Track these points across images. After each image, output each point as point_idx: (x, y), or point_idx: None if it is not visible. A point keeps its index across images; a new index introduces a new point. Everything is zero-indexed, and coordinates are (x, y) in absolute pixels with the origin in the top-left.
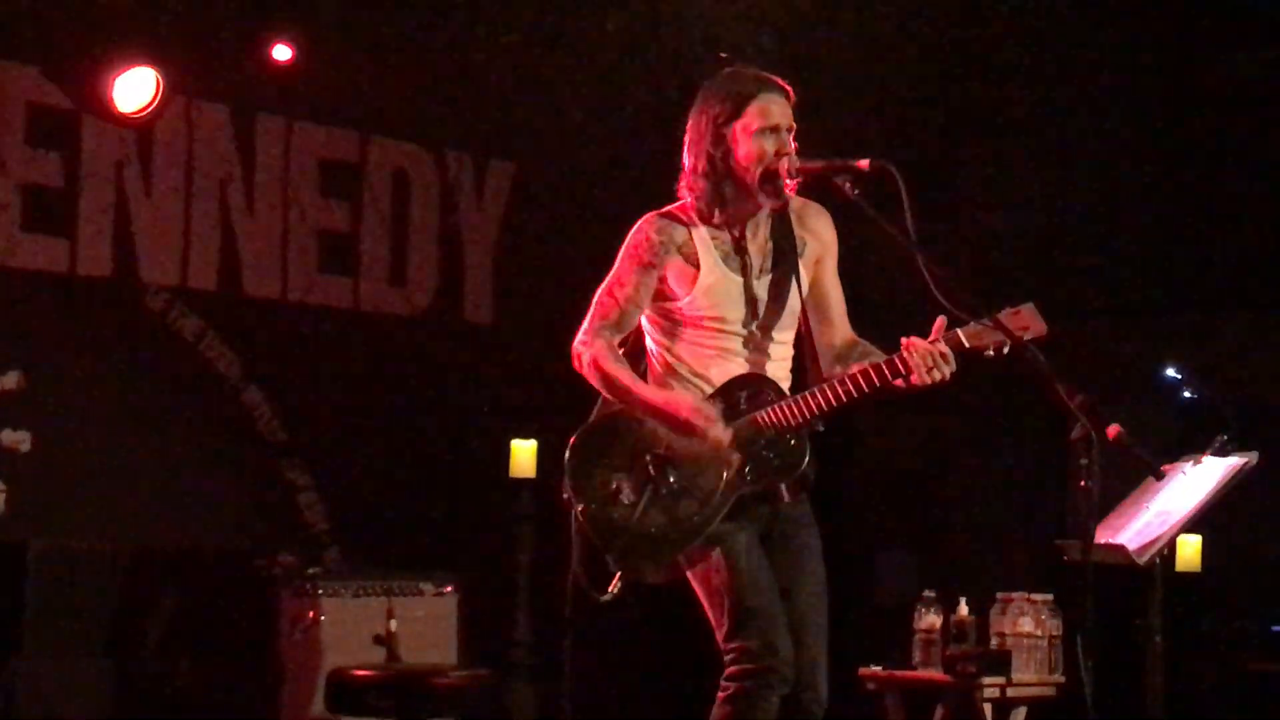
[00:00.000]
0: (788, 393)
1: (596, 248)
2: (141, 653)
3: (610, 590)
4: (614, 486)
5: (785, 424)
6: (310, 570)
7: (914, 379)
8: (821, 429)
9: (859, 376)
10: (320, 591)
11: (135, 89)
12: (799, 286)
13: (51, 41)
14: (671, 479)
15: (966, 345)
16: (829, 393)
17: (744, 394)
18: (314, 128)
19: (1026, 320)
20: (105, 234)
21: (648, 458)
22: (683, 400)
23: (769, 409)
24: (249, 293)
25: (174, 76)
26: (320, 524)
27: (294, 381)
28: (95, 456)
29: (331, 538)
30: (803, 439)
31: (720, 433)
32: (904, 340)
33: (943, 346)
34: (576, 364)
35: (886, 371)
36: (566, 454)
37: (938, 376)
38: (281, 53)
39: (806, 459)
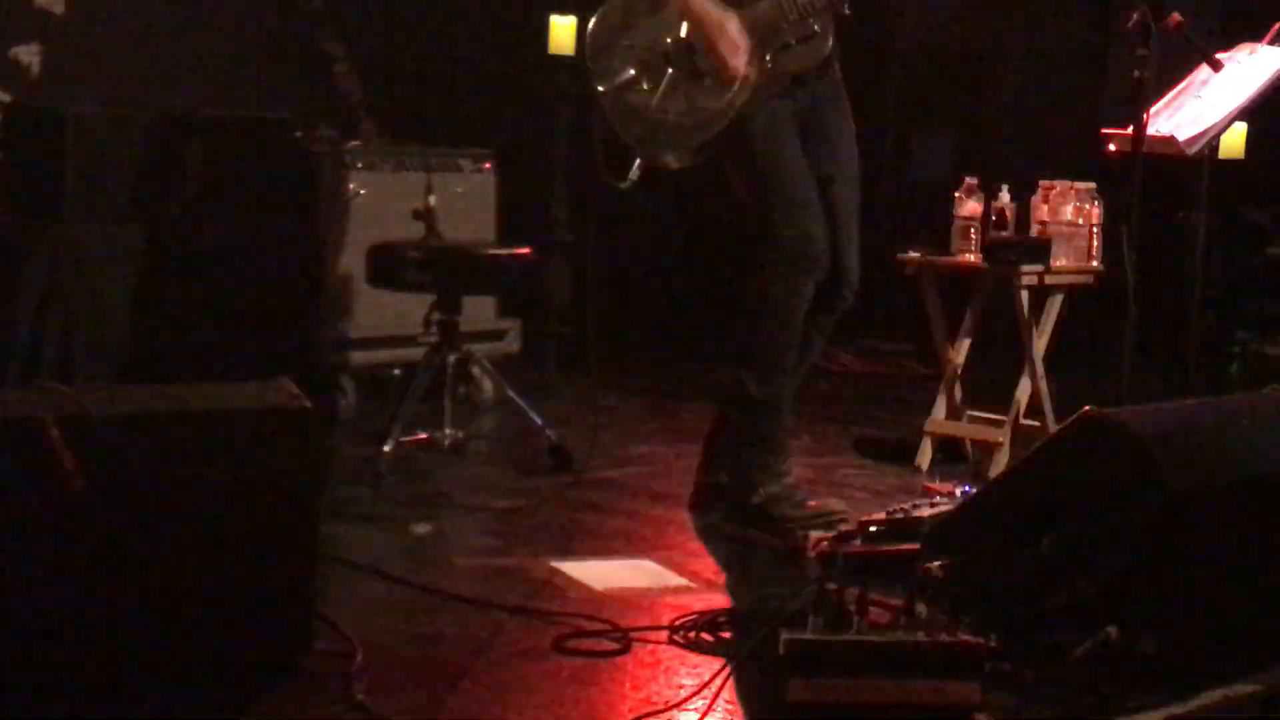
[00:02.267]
0: None
1: None
2: (172, 215)
3: (630, 176)
4: (633, 70)
5: (810, 3)
6: (348, 144)
7: None
8: (847, 11)
9: None
10: (359, 165)
11: None
12: None
13: None
14: (691, 65)
15: None
16: None
17: None
18: None
19: None
20: None
21: (668, 40)
22: (716, 22)
23: None
24: None
25: None
26: (357, 96)
27: None
28: (129, 21)
29: (367, 110)
30: (827, 23)
31: (738, 66)
32: None
33: None
34: None
35: None
36: (588, 32)
37: None
38: None
39: (830, 44)
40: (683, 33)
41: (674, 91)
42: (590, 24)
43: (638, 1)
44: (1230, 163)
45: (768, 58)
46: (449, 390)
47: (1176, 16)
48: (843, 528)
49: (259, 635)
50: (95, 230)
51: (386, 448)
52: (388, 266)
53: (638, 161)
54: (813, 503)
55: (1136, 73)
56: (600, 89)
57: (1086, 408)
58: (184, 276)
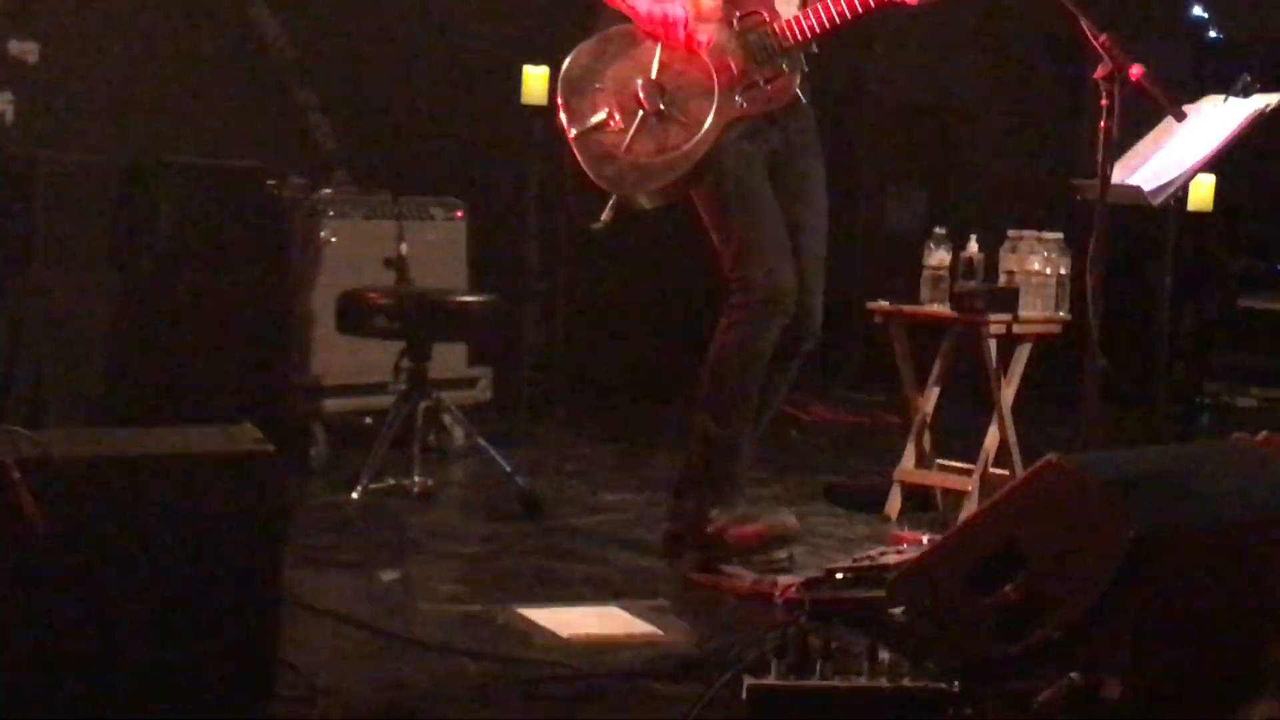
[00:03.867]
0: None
1: None
2: (144, 263)
3: (602, 218)
4: (605, 112)
5: (777, 43)
6: (320, 192)
7: None
8: (816, 50)
9: None
10: (330, 213)
11: None
12: None
13: None
14: (661, 106)
15: None
16: (821, 14)
17: (738, 13)
18: None
19: None
20: None
21: (639, 82)
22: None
23: (759, 31)
24: None
25: None
26: (330, 145)
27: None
28: (103, 70)
29: (340, 159)
30: (795, 63)
31: (701, 36)
32: None
33: None
34: None
35: None
36: (560, 76)
37: None
38: None
39: (797, 83)
40: (653, 74)
41: (644, 133)
42: (563, 66)
43: (609, 44)
44: (1199, 214)
45: (737, 97)
46: (419, 437)
47: (1139, 68)
48: (795, 563)
49: (221, 679)
50: (66, 277)
51: (355, 494)
52: (357, 314)
53: (609, 203)
54: (765, 517)
55: (1102, 122)
56: (572, 132)
57: (1051, 454)
58: (156, 323)
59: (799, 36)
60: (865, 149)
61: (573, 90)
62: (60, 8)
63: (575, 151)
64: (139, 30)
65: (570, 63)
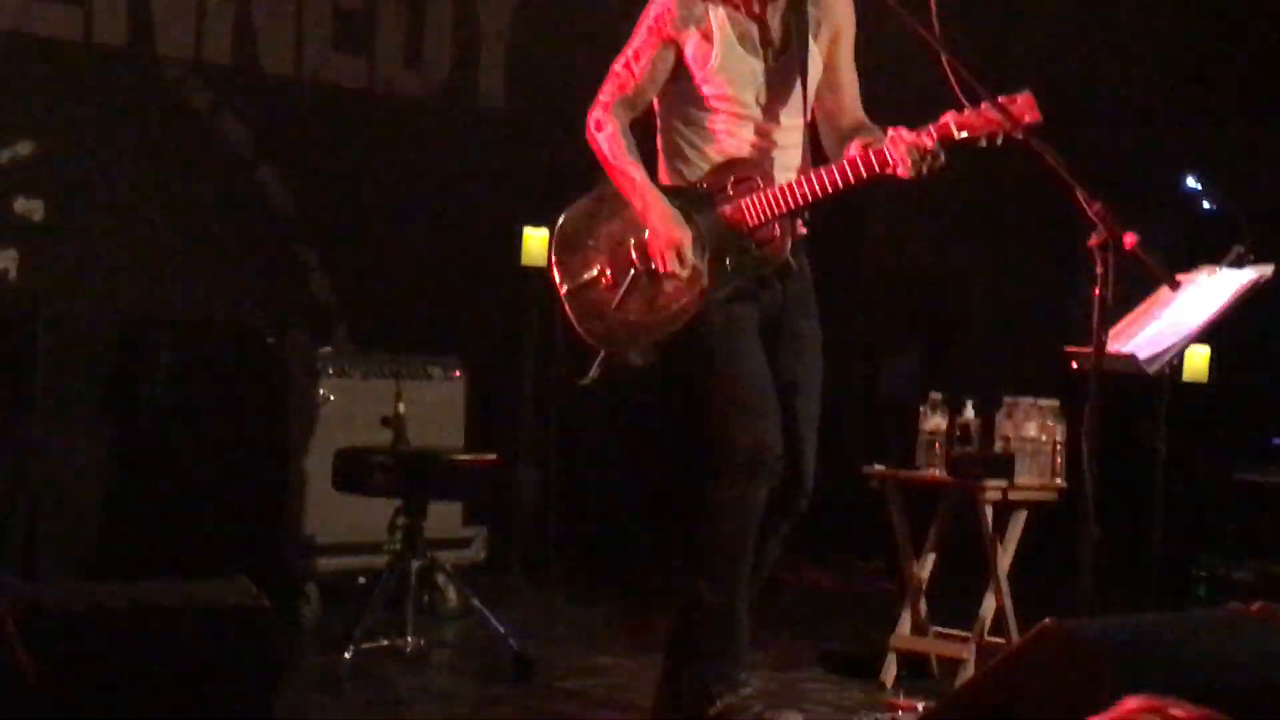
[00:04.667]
0: (799, 175)
1: (613, 31)
2: (142, 416)
3: (590, 374)
4: (597, 269)
5: (768, 213)
6: (320, 350)
7: (900, 172)
8: (806, 218)
9: (845, 167)
10: (329, 371)
11: None
12: (814, 68)
13: None
14: (654, 265)
15: (957, 135)
16: (814, 183)
17: (733, 178)
18: None
19: (1022, 108)
20: (120, 2)
21: (632, 242)
22: (666, 229)
23: (753, 196)
24: (264, 68)
25: None
26: (330, 304)
27: (306, 159)
28: (107, 228)
29: (340, 318)
30: (787, 227)
31: (680, 273)
32: (889, 132)
33: (928, 140)
34: (590, 131)
35: (874, 162)
36: (554, 232)
37: (924, 170)
38: None
39: (789, 247)
40: (646, 234)
41: (635, 291)
42: (557, 223)
43: (604, 203)
44: (1195, 385)
45: (727, 261)
46: (412, 597)
47: (1133, 237)
48: None
49: None
50: (64, 429)
51: (347, 654)
52: (354, 472)
53: (599, 358)
54: (770, 715)
55: (1096, 290)
56: (564, 287)
57: (1047, 619)
58: (152, 477)
59: (791, 204)
60: (862, 313)
61: (566, 246)
62: (66, 167)
63: (566, 307)
64: (142, 187)
65: (565, 219)
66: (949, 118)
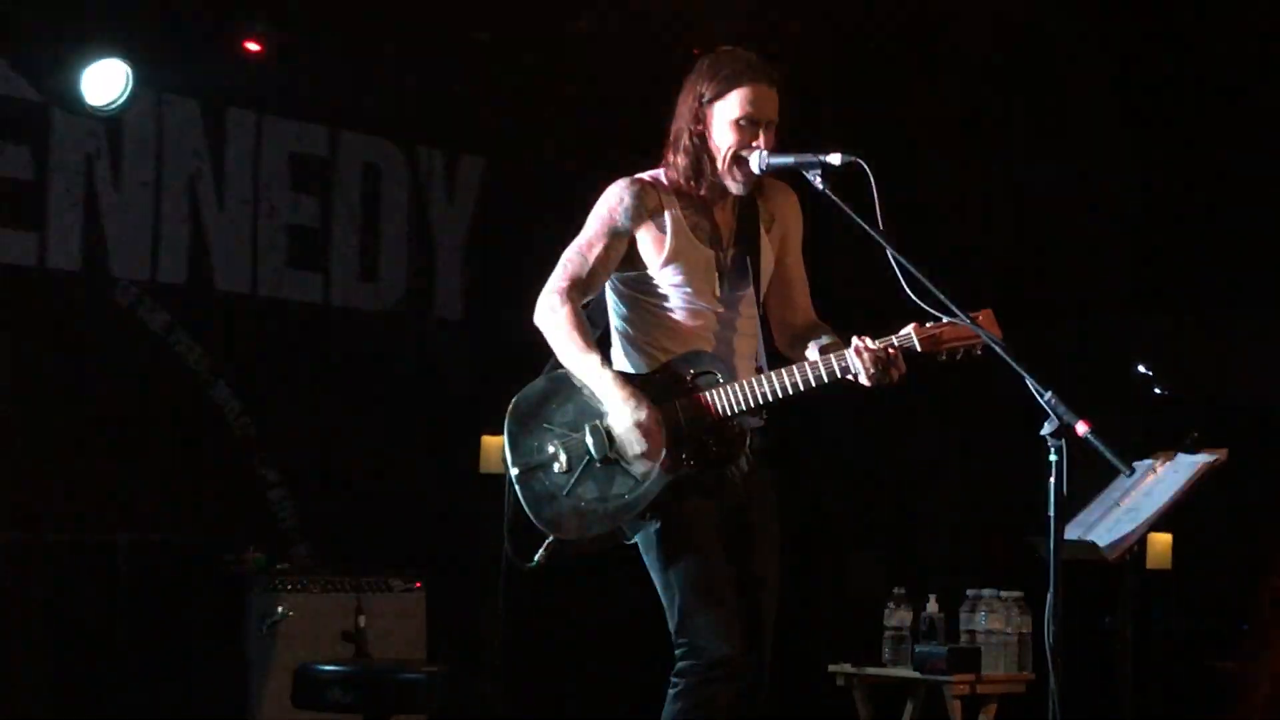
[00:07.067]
0: (754, 369)
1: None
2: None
3: (536, 558)
4: (550, 452)
5: (729, 408)
6: (278, 566)
7: (861, 380)
8: (763, 420)
9: (807, 370)
10: (289, 587)
11: (105, 82)
12: (765, 260)
13: (20, 33)
14: (608, 453)
15: (919, 349)
16: (775, 383)
17: (692, 371)
18: (284, 121)
19: (983, 325)
20: (75, 227)
21: (587, 427)
22: (635, 411)
23: (714, 391)
24: (219, 287)
25: (144, 69)
26: (289, 520)
27: (264, 377)
28: (62, 450)
29: (300, 534)
30: (745, 426)
31: (649, 459)
32: (855, 342)
33: (891, 352)
34: (540, 314)
35: (836, 369)
36: (507, 414)
37: (885, 381)
38: (252, 46)
39: (746, 446)
40: (606, 419)
41: (589, 478)
42: (512, 402)
43: (560, 385)
44: (1158, 571)
45: (683, 454)
46: None
47: (1085, 424)
48: None
49: None
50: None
51: None
52: (312, 688)
53: (546, 542)
54: None
55: (1052, 479)
56: (515, 470)
57: None
58: (105, 700)
59: (751, 401)
60: (825, 511)
61: (520, 427)
62: (17, 383)
63: (516, 489)
64: (96, 407)
65: (519, 398)
66: (912, 330)
